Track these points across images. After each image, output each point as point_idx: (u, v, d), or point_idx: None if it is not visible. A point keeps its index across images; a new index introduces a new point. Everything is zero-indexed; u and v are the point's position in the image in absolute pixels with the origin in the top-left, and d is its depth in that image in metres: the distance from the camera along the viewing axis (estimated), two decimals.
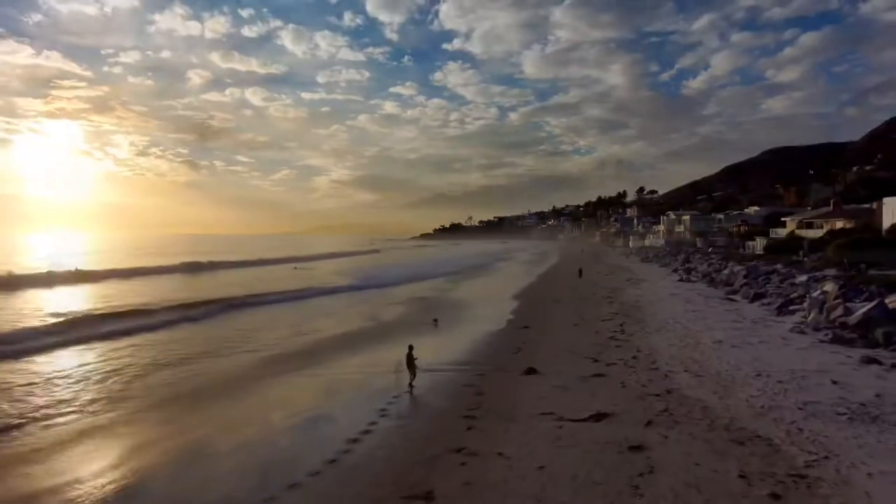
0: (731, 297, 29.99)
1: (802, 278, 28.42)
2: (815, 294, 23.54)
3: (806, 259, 37.97)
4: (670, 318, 24.24)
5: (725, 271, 38.35)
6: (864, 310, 18.07)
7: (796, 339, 18.36)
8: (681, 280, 41.10)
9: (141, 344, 21.46)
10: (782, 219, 64.39)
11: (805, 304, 22.80)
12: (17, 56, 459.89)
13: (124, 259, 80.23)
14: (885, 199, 45.98)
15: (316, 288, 39.97)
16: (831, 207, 58.62)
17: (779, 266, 35.57)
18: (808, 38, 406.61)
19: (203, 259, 69.62)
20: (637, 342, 19.47)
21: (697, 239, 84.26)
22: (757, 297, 27.70)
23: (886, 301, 18.55)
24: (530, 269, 65.35)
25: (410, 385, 14.72)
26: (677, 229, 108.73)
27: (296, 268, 67.05)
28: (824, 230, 48.87)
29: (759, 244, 54.02)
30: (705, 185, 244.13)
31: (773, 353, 16.62)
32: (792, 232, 55.68)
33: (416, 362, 14.92)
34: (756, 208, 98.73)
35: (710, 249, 67.49)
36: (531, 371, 15.97)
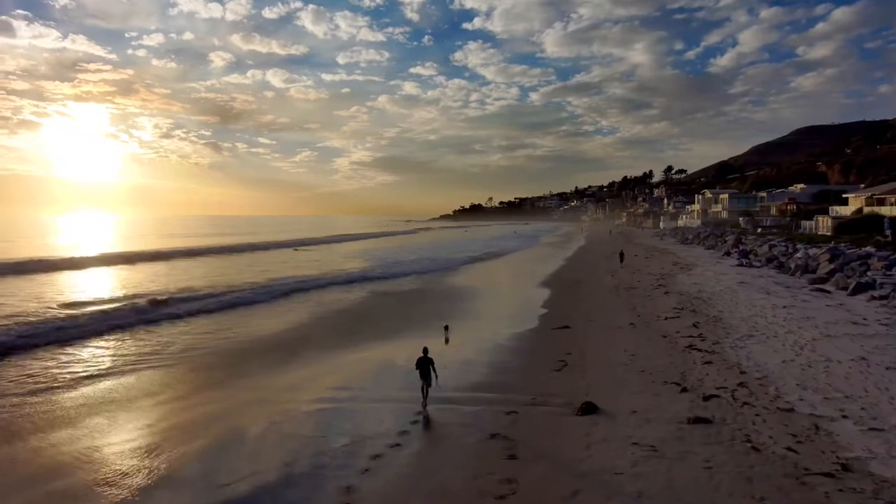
0: (819, 287, 23.95)
1: None
2: None
3: (892, 238, 31.63)
4: (757, 316, 18.43)
5: (798, 255, 32.13)
6: None
7: None
8: (739, 265, 34.96)
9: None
10: (843, 195, 57.25)
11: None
12: (44, 40, 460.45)
13: (195, 240, 77.48)
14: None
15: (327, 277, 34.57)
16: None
17: (871, 249, 29.26)
18: (841, 13, 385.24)
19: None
20: (730, 355, 13.80)
21: (741, 218, 77.08)
22: (861, 288, 21.66)
23: None
24: (556, 252, 59.48)
25: (424, 400, 11.55)
26: (714, 209, 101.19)
27: (296, 249, 62.52)
28: None
29: (823, 223, 47.23)
30: (736, 164, 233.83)
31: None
32: (860, 209, 48.81)
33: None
34: (802, 186, 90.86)
35: (758, 230, 60.72)
36: (588, 408, 10.47)
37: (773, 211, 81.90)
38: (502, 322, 20.80)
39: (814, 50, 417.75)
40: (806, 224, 53.66)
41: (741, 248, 41.77)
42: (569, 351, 15.34)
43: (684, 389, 11.35)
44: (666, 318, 19.07)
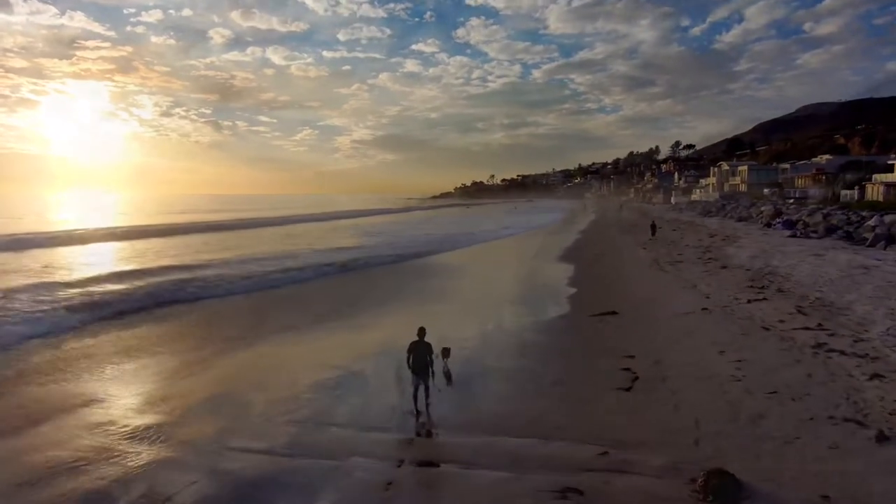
0: None
1: None
2: None
3: None
4: (882, 306, 13.10)
5: (870, 222, 26.75)
6: None
7: None
8: (793, 235, 29.64)
9: None
10: (889, 163, 51.71)
11: None
12: (41, 17, 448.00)
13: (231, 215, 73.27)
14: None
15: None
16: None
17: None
18: None
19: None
20: None
21: (766, 190, 71.67)
22: None
23: None
24: (568, 227, 54.16)
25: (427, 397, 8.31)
26: (732, 181, 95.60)
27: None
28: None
29: (873, 190, 41.67)
30: (744, 140, 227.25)
31: None
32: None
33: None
34: (828, 156, 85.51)
35: (789, 201, 55.27)
36: (725, 488, 5.26)
37: (799, 182, 76.57)
38: (522, 306, 15.63)
39: (821, 26, 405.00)
40: (847, 193, 48.26)
41: (785, 218, 36.37)
42: (629, 352, 10.18)
43: (882, 437, 6.15)
44: (749, 301, 13.81)
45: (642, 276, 19.56)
